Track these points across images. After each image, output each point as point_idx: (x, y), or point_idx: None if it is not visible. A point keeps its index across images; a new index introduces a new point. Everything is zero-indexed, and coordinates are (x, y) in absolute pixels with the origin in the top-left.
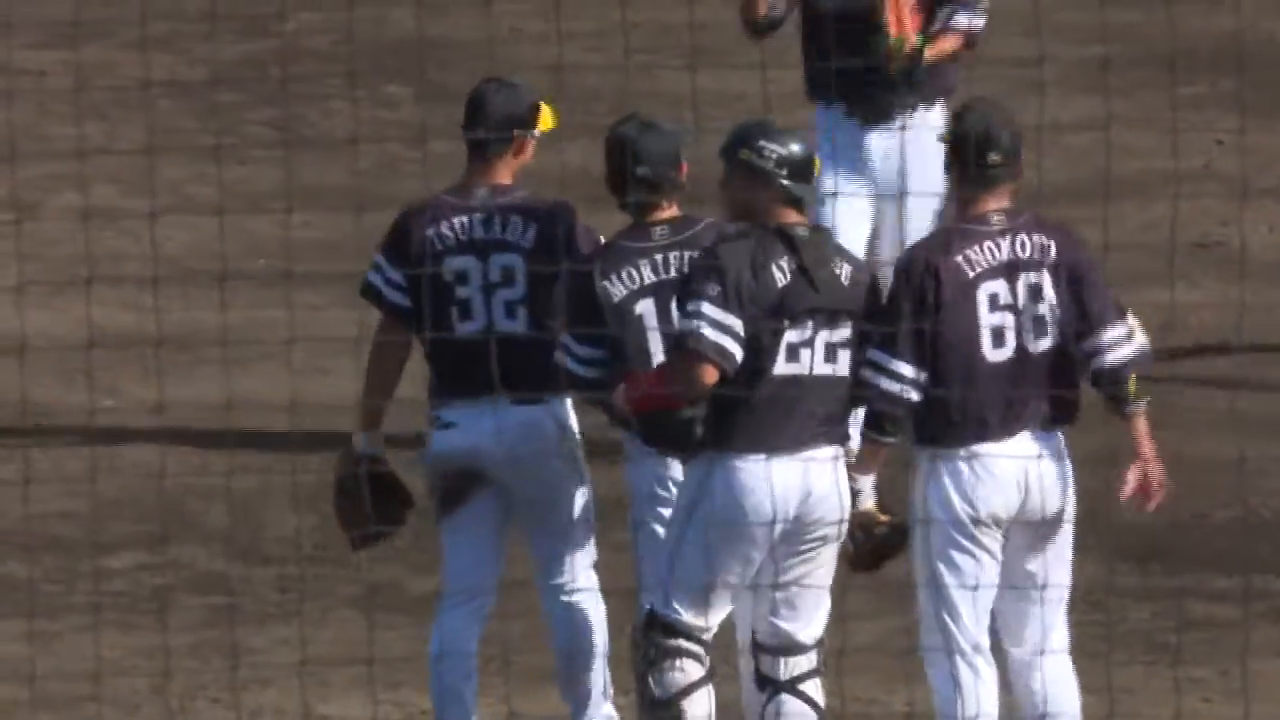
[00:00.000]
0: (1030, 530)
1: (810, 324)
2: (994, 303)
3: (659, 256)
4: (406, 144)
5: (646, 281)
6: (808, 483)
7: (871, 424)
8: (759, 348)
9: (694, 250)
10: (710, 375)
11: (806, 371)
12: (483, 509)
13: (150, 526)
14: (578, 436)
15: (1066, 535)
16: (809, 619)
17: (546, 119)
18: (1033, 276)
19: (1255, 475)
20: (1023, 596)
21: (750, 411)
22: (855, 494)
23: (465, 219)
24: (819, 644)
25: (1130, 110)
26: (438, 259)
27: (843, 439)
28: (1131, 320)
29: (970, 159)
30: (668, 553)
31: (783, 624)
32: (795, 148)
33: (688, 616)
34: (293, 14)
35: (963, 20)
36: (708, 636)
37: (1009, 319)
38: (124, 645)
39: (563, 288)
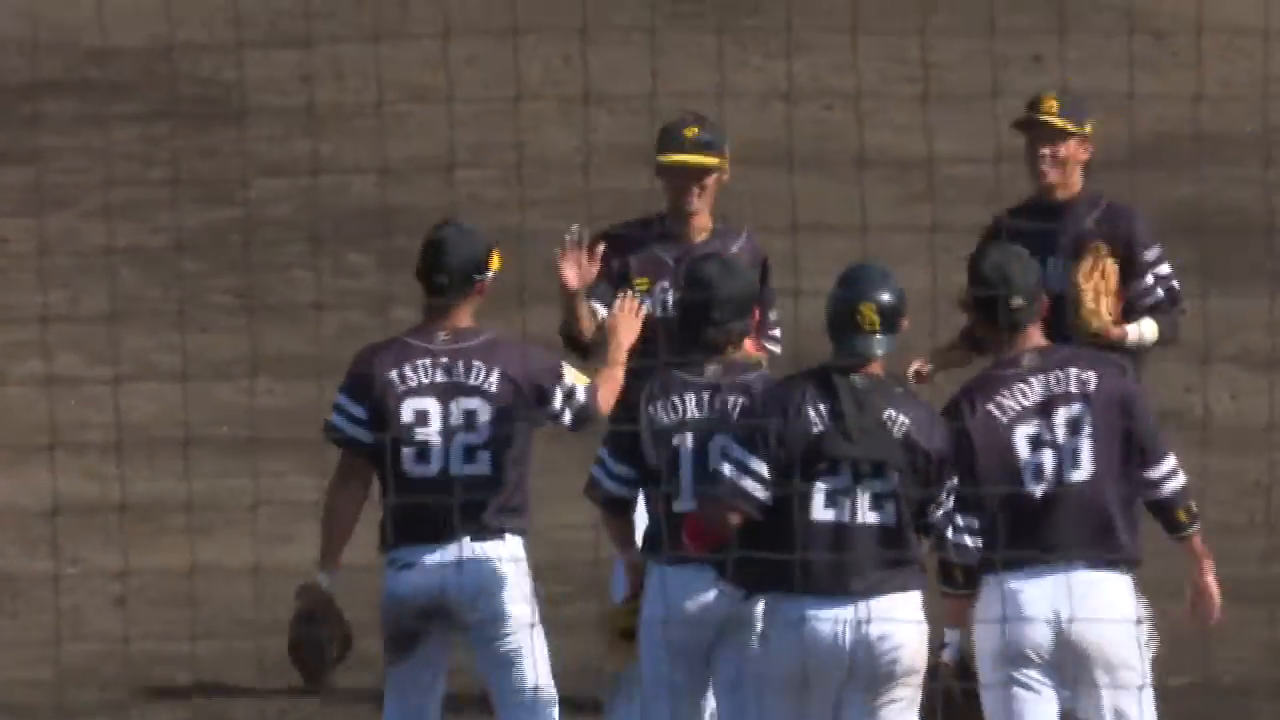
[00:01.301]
0: (1081, 666)
1: (849, 472)
2: (1034, 442)
3: (706, 394)
4: (369, 312)
5: (689, 415)
6: (866, 631)
7: (943, 577)
8: (791, 493)
9: (741, 395)
10: (731, 515)
11: (848, 519)
12: (432, 653)
13: (114, 693)
14: (528, 572)
15: (1127, 674)
16: None
17: (496, 260)
18: (1073, 410)
19: (1217, 641)
20: None
21: (792, 557)
22: (943, 645)
23: (428, 361)
24: None
25: None
26: (399, 399)
27: (904, 586)
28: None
29: (993, 306)
30: (749, 701)
31: None
32: (837, 294)
33: None
34: (255, 182)
35: None
36: None
37: (1048, 455)
38: None
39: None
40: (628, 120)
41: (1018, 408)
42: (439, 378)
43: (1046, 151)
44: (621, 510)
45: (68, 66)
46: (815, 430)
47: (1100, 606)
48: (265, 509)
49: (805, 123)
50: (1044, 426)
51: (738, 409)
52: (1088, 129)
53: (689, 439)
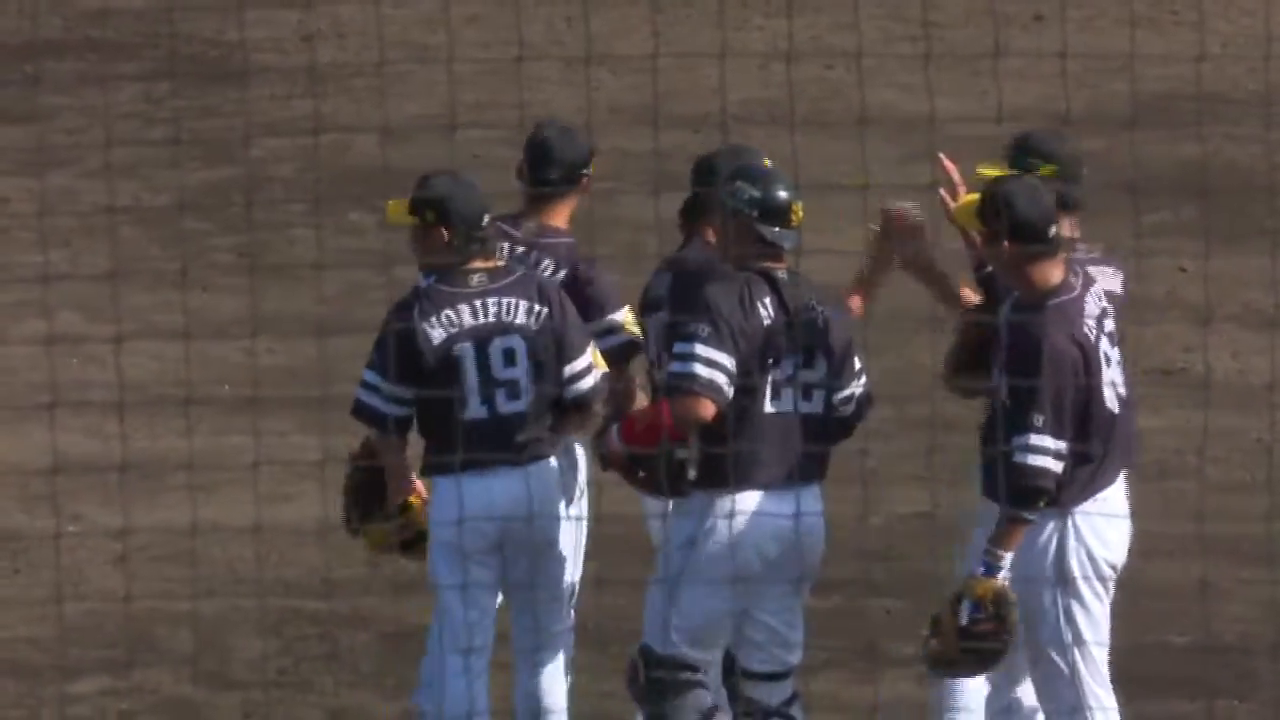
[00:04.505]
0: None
1: (792, 364)
2: (1107, 360)
3: (478, 302)
4: (370, 271)
5: (465, 325)
6: (801, 515)
7: (1025, 503)
8: (747, 386)
9: (511, 296)
10: (707, 410)
11: (791, 410)
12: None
13: (115, 651)
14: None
15: None
16: (797, 643)
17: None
18: (1110, 323)
19: (1217, 599)
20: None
21: (742, 450)
22: (993, 569)
23: None
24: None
25: (1093, 237)
26: None
27: (824, 474)
28: None
29: (1037, 237)
30: (667, 590)
31: (779, 652)
32: (771, 191)
33: (691, 652)
34: (257, 141)
35: None
36: (710, 671)
37: (1116, 373)
38: None
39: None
40: (629, 80)
41: (1092, 325)
42: None
43: None
44: (405, 430)
45: (68, 26)
46: (766, 324)
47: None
48: (266, 468)
49: (806, 82)
50: (1108, 343)
51: (518, 309)
52: None
53: (469, 346)
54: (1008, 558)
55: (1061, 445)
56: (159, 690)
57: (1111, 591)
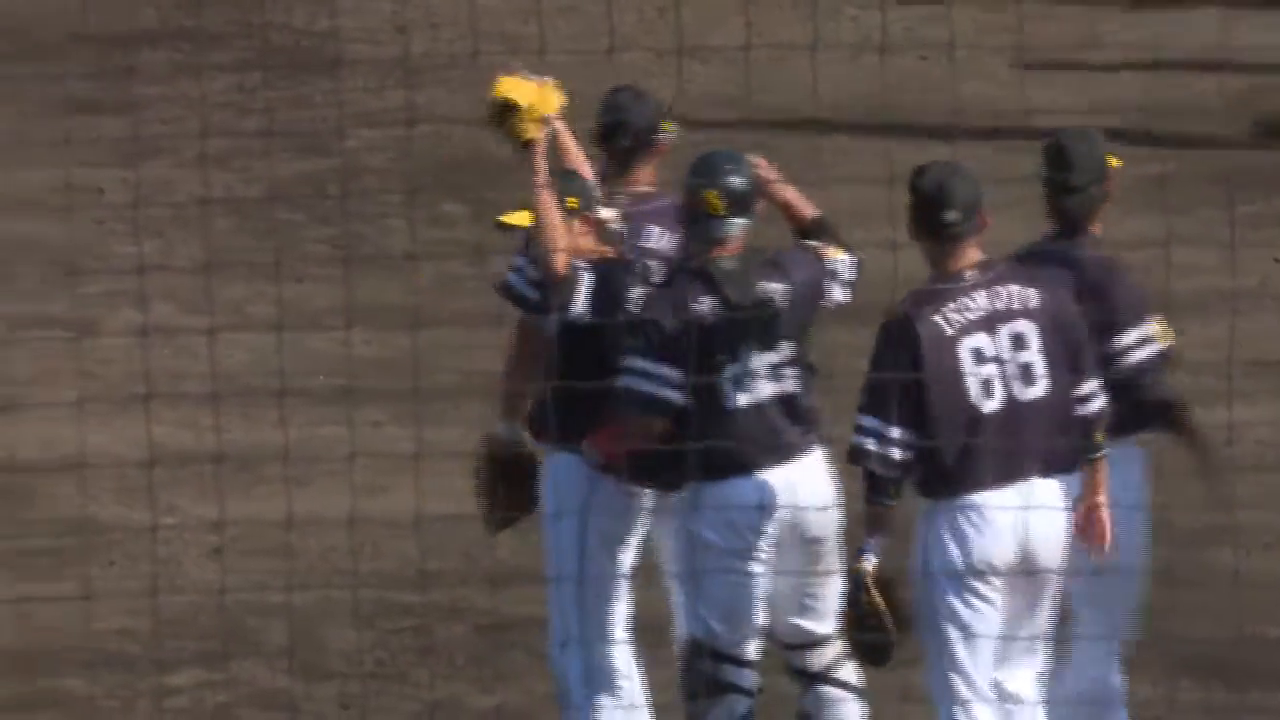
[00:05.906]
0: (1027, 579)
1: (749, 354)
2: (979, 356)
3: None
4: (464, 262)
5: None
6: (797, 490)
7: (873, 489)
8: (706, 387)
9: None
10: (653, 425)
11: (763, 397)
12: None
13: (211, 643)
14: None
15: (1054, 585)
16: (826, 614)
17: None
18: (1016, 325)
19: (1253, 591)
20: (1018, 646)
21: (722, 443)
22: (860, 553)
23: None
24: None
25: (1189, 228)
26: None
27: (819, 442)
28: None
29: (929, 219)
30: (689, 582)
31: (803, 623)
32: (688, 183)
33: (726, 638)
34: (351, 131)
35: None
36: (749, 654)
37: (994, 370)
38: None
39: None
40: (722, 72)
41: (963, 320)
42: None
43: None
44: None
45: (162, 17)
46: (708, 323)
47: (1050, 512)
48: (361, 459)
49: (899, 74)
50: (989, 341)
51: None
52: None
53: None
54: (868, 541)
55: (890, 430)
56: (255, 682)
57: (996, 589)
